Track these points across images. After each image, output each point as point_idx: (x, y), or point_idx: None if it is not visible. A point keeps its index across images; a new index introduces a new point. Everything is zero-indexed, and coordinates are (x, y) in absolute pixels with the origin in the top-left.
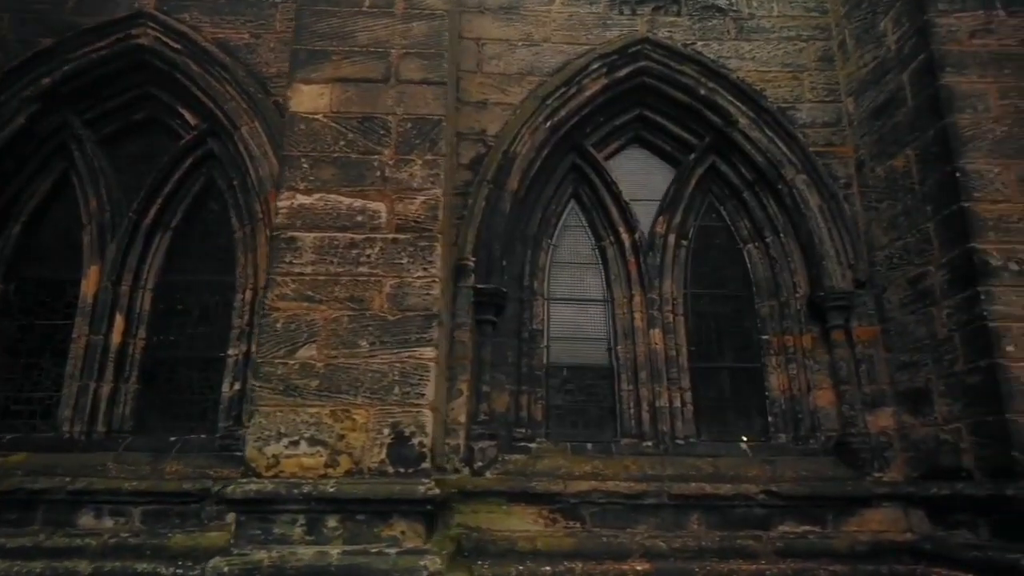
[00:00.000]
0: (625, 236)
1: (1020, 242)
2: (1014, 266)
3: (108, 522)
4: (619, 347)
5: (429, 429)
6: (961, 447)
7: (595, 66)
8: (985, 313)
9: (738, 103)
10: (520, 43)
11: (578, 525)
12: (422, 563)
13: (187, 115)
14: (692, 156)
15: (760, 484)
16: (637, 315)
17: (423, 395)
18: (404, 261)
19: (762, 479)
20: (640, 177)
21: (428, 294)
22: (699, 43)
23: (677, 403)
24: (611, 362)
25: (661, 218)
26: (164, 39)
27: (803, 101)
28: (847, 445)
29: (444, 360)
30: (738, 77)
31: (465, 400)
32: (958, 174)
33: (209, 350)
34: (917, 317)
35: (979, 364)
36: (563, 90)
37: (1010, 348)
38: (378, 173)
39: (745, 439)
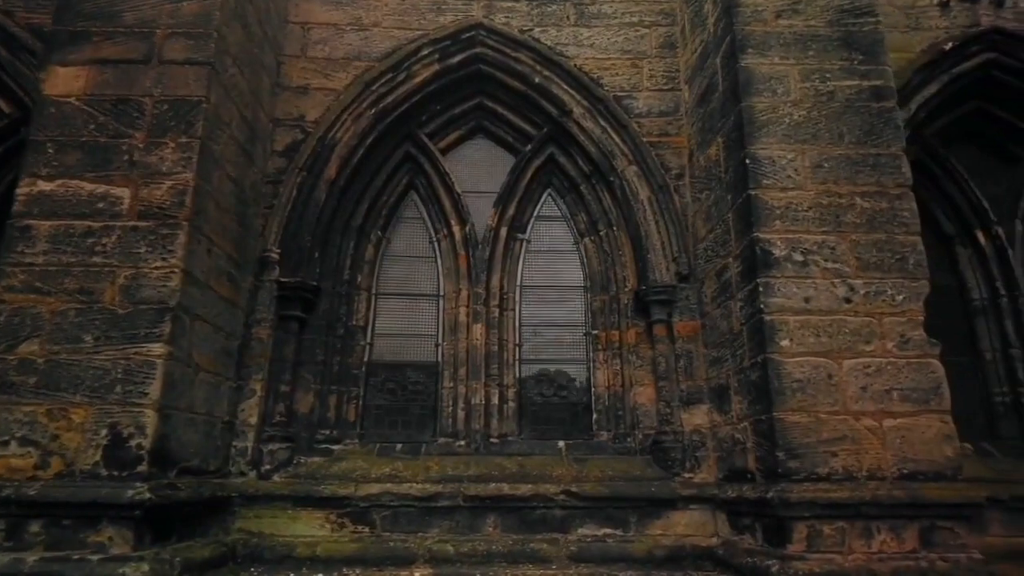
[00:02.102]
0: (457, 229)
1: (807, 231)
2: (798, 256)
3: None
4: (444, 343)
5: (150, 431)
6: (748, 447)
7: (426, 52)
8: (762, 306)
9: (573, 92)
10: (349, 28)
11: (367, 530)
12: (122, 571)
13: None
14: (529, 147)
15: (563, 485)
16: (462, 310)
17: (146, 394)
18: (142, 250)
19: (566, 479)
20: (484, 168)
21: (165, 286)
22: (537, 29)
23: (495, 401)
24: (437, 359)
25: (494, 211)
26: None
27: (641, 89)
28: (660, 444)
29: (207, 357)
30: (575, 65)
31: (258, 401)
32: (748, 160)
33: None
34: (722, 311)
35: (757, 359)
36: (390, 76)
37: (785, 343)
38: (126, 157)
39: (565, 438)
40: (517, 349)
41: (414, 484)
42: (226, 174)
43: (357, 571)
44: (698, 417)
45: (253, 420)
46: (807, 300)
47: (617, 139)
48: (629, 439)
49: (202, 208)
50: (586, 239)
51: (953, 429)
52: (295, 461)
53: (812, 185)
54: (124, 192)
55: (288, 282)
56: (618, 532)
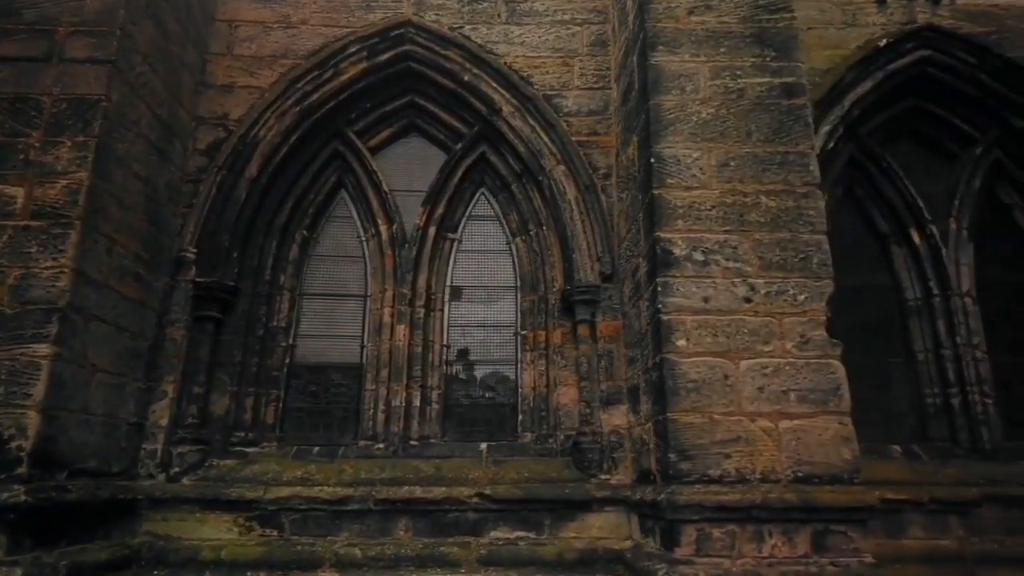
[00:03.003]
0: (384, 228)
1: (709, 230)
2: (699, 256)
3: None
4: (369, 345)
5: (32, 432)
6: (651, 447)
7: (353, 49)
8: (660, 306)
9: (502, 90)
10: (277, 25)
11: (275, 533)
12: None
13: None
14: (459, 145)
15: (478, 487)
16: (387, 311)
17: (30, 395)
18: (33, 250)
19: (482, 482)
20: (418, 166)
21: (54, 286)
22: (467, 27)
23: (417, 403)
24: (362, 361)
25: (422, 209)
26: None
27: (571, 88)
28: (579, 445)
29: (107, 358)
30: (505, 63)
31: (169, 402)
32: (653, 159)
33: None
34: (635, 311)
35: (656, 360)
36: (317, 73)
37: (681, 343)
38: (22, 156)
39: (490, 439)
40: (444, 350)
41: (325, 487)
42: (133, 173)
43: (261, 575)
44: (617, 418)
45: (164, 422)
46: (706, 300)
47: (546, 138)
48: (551, 440)
49: (100, 207)
50: (518, 239)
51: (852, 431)
52: (207, 464)
53: (717, 184)
54: (18, 191)
55: (203, 282)
56: (531, 535)
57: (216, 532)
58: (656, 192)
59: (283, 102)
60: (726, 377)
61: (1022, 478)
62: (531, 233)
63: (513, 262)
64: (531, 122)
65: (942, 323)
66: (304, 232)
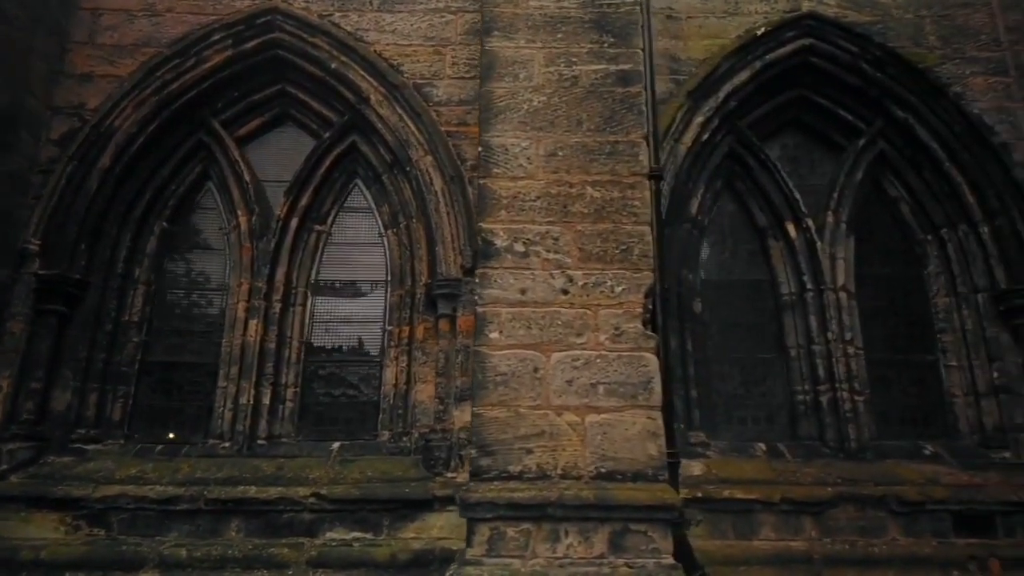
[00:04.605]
0: (243, 219)
1: (533, 221)
2: (520, 247)
3: None
4: (224, 341)
5: None
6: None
7: (218, 37)
8: (477, 298)
9: (371, 79)
10: (141, 13)
11: (103, 532)
12: None
13: None
14: (327, 134)
15: (315, 487)
16: (241, 305)
17: None
18: None
19: (323, 482)
20: (290, 156)
21: None
22: (337, 14)
23: (267, 401)
24: (218, 357)
25: (284, 200)
26: None
27: (442, 77)
28: (429, 443)
29: None
30: (374, 51)
31: (3, 397)
32: (481, 148)
33: None
34: None
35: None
36: (178, 61)
37: (494, 335)
38: None
39: (350, 438)
40: (303, 347)
41: (157, 486)
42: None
43: (81, 575)
44: (468, 414)
45: None
46: (523, 292)
47: (413, 128)
48: (405, 439)
49: None
50: (390, 231)
51: (660, 426)
52: (41, 461)
53: (544, 174)
54: None
55: (46, 275)
56: (368, 536)
57: (41, 531)
58: (482, 182)
59: (141, 91)
60: (536, 370)
61: (881, 477)
62: (401, 225)
63: (385, 255)
64: (399, 111)
65: (814, 318)
66: (164, 224)
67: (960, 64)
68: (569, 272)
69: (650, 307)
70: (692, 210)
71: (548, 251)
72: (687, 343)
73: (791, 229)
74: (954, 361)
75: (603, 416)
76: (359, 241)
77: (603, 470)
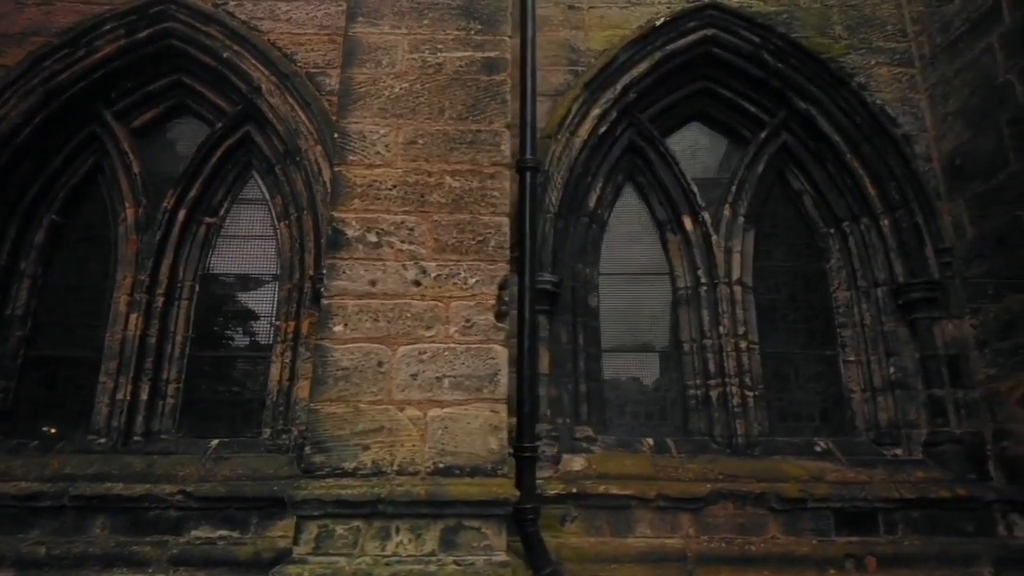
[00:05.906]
0: (130, 212)
1: (388, 211)
2: (372, 237)
3: None
4: (107, 335)
5: None
6: None
7: (109, 26)
8: (324, 289)
9: (262, 68)
10: (31, 2)
11: None
12: None
13: None
14: (219, 125)
15: (183, 485)
16: (123, 299)
17: None
18: None
19: (192, 479)
20: (187, 147)
21: None
22: (232, 3)
23: (144, 396)
24: (101, 352)
25: (172, 192)
26: None
27: (336, 66)
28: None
29: None
30: (268, 40)
31: None
32: (337, 135)
33: None
34: None
35: None
36: (67, 51)
37: (339, 328)
38: None
39: (232, 435)
40: (187, 341)
41: (22, 483)
42: None
43: None
44: None
45: None
46: (373, 283)
47: (304, 117)
48: (284, 436)
49: None
50: (282, 223)
51: (503, 419)
52: None
53: (402, 162)
54: None
55: None
56: (234, 534)
57: None
58: (337, 170)
59: (28, 81)
60: (380, 364)
61: (764, 474)
62: (292, 217)
63: (277, 248)
64: (291, 100)
65: (706, 312)
66: (54, 217)
67: (866, 54)
68: (423, 263)
69: (506, 299)
70: (590, 204)
71: (402, 241)
72: (579, 337)
73: (687, 223)
74: (853, 356)
75: (446, 410)
76: (253, 234)
77: (441, 465)
